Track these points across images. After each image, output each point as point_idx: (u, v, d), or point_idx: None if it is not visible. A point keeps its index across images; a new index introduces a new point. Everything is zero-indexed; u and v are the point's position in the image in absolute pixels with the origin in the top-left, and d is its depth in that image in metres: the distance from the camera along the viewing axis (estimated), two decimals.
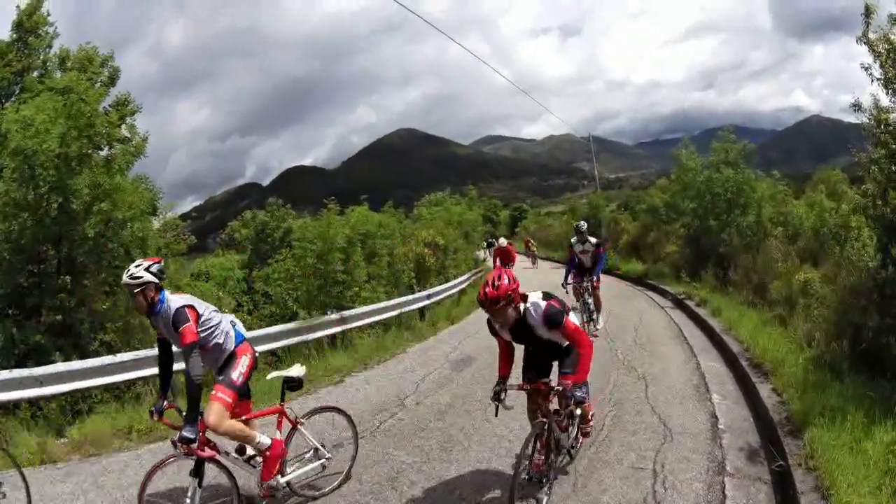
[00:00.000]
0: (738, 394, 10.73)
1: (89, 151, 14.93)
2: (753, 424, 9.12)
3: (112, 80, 23.91)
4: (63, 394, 11.08)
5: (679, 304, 21.31)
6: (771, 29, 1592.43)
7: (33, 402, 11.33)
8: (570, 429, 7.67)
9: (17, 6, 24.14)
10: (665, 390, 10.93)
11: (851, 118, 10.91)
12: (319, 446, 7.47)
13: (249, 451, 6.94)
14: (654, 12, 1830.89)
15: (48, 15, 24.99)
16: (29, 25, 24.26)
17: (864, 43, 10.25)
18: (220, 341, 6.94)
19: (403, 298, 20.21)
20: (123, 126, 18.39)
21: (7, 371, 10.64)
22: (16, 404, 11.15)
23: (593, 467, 7.63)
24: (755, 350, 12.16)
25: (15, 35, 24.33)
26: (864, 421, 7.53)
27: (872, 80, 10.21)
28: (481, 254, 49.77)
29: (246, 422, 6.78)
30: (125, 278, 6.59)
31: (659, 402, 10.19)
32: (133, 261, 12.61)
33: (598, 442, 8.48)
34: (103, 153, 16.00)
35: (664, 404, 10.08)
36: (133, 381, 12.14)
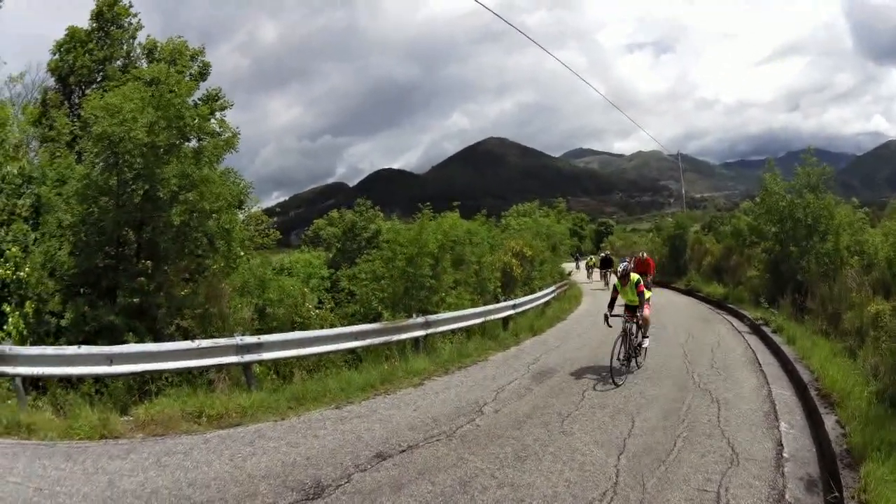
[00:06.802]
0: (804, 423, 10.76)
1: (177, 142, 15.44)
2: (816, 455, 9.19)
3: (202, 74, 24.44)
4: (133, 374, 11.60)
5: (756, 329, 21.15)
6: (852, 51, 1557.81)
7: (98, 379, 11.94)
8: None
9: None
10: (736, 415, 11.01)
11: None
12: None
13: None
14: (745, 32, 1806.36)
15: (130, 6, 25.84)
16: (110, 16, 25.13)
17: None
18: None
19: (489, 307, 20.21)
20: (213, 120, 18.75)
21: (76, 347, 11.23)
22: (80, 379, 11.79)
23: (661, 486, 7.80)
24: (825, 380, 12.14)
25: (95, 24, 25.20)
26: None
27: None
28: (569, 266, 49.10)
29: None
30: None
31: (730, 427, 10.30)
32: (216, 251, 12.59)
33: (669, 462, 8.64)
34: (192, 144, 16.45)
35: (734, 429, 10.18)
36: (207, 368, 12.62)
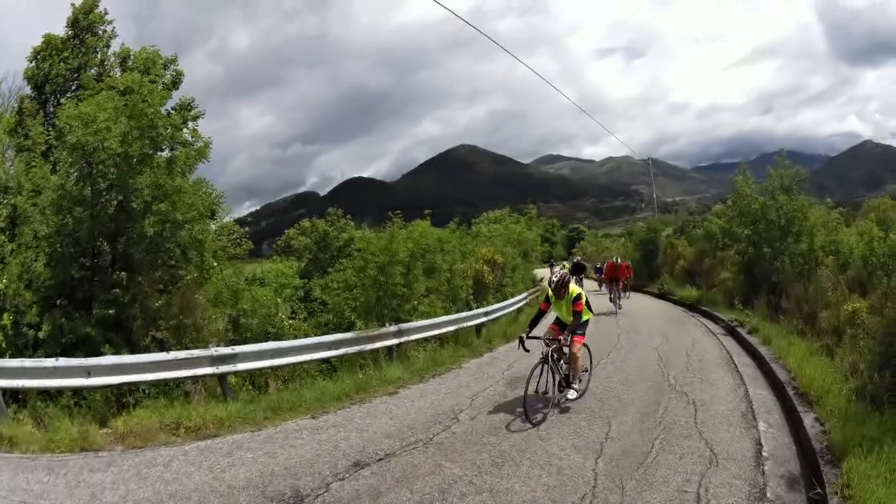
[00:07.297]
0: (783, 422, 10.83)
1: (150, 152, 15.44)
2: (796, 452, 9.25)
3: (175, 83, 24.25)
4: (111, 386, 11.48)
5: (731, 331, 21.33)
6: (826, 54, 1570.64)
7: (77, 392, 11.88)
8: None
9: (73, 3, 24.62)
10: (713, 416, 11.04)
11: None
12: None
13: None
14: (717, 36, 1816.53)
15: (105, 14, 25.42)
16: (85, 23, 24.73)
17: None
18: None
19: (461, 314, 20.27)
20: (186, 129, 18.71)
21: (54, 359, 11.07)
22: (58, 391, 11.72)
23: (640, 488, 7.81)
24: (802, 379, 12.19)
25: (71, 32, 24.83)
26: None
27: None
28: (544, 272, 49.03)
29: None
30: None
31: (707, 428, 10.32)
32: (189, 261, 12.60)
33: (647, 464, 8.65)
34: (165, 154, 16.40)
35: (712, 430, 10.21)
36: (184, 379, 12.59)
